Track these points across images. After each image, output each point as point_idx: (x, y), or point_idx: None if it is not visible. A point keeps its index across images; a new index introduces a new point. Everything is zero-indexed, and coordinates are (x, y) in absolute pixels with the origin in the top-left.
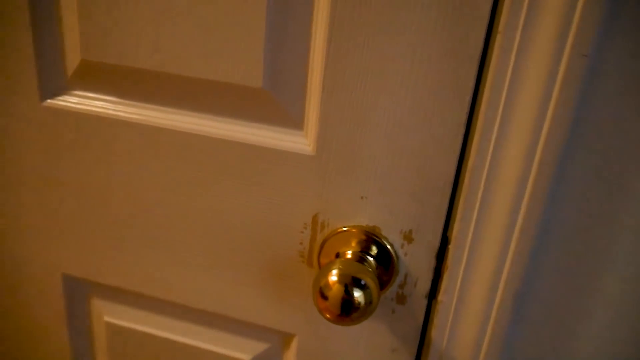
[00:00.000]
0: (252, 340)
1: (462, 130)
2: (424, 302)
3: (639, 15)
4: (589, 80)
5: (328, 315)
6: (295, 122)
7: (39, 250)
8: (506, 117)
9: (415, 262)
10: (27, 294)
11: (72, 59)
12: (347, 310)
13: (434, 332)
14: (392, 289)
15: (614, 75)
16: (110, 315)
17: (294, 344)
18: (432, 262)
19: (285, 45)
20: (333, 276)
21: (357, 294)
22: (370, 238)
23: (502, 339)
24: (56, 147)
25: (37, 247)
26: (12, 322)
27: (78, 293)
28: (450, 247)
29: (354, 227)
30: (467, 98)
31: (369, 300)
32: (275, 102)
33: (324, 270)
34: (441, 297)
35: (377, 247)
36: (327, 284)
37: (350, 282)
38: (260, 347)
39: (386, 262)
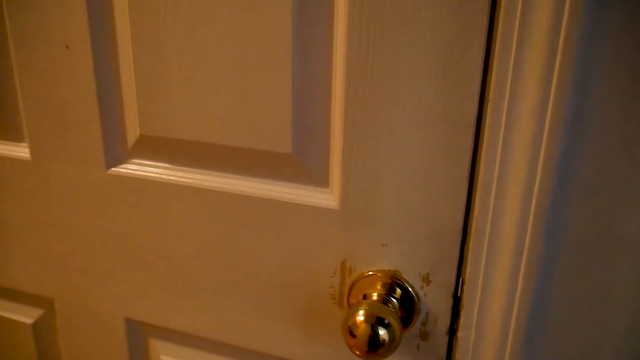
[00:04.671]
0: None
1: (466, 184)
2: (446, 338)
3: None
4: (571, 138)
5: (357, 352)
6: (321, 180)
7: (106, 298)
8: (503, 173)
9: (434, 301)
10: (97, 335)
11: (132, 134)
12: (374, 347)
13: None
14: (415, 327)
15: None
16: (167, 354)
17: None
18: (450, 302)
19: (309, 116)
20: (360, 316)
21: (382, 332)
22: (393, 281)
23: None
24: (120, 208)
25: (105, 295)
26: None
27: (138, 335)
28: (465, 287)
29: (378, 271)
30: (467, 157)
31: (392, 338)
32: (303, 164)
33: (352, 311)
34: (460, 333)
35: (400, 289)
36: (355, 324)
37: (375, 321)
38: None
39: (408, 302)
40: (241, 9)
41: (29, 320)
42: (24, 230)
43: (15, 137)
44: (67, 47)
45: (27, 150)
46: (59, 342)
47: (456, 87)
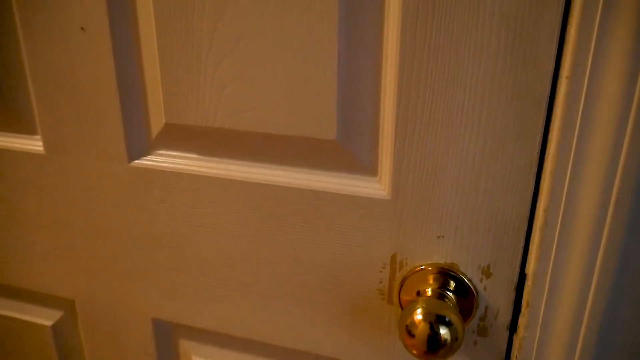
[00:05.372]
0: None
1: (534, 170)
2: (506, 334)
3: None
4: None
5: (415, 352)
6: (368, 169)
7: (131, 298)
8: (579, 158)
9: (494, 295)
10: (122, 337)
11: (156, 123)
12: (434, 348)
13: None
14: (473, 322)
15: None
16: (198, 355)
17: None
18: (512, 295)
19: (358, 98)
20: (418, 315)
21: (443, 331)
22: (449, 274)
23: None
24: (145, 203)
25: (130, 295)
26: None
27: (167, 335)
28: (530, 283)
29: (432, 264)
30: (538, 138)
31: (455, 337)
32: (348, 152)
33: (408, 309)
34: (523, 332)
35: (456, 283)
36: (413, 322)
37: (435, 319)
38: None
39: (466, 297)
40: None
41: (48, 322)
42: (40, 228)
43: (27, 129)
44: (82, 29)
45: (40, 143)
46: (81, 344)
47: (527, 61)
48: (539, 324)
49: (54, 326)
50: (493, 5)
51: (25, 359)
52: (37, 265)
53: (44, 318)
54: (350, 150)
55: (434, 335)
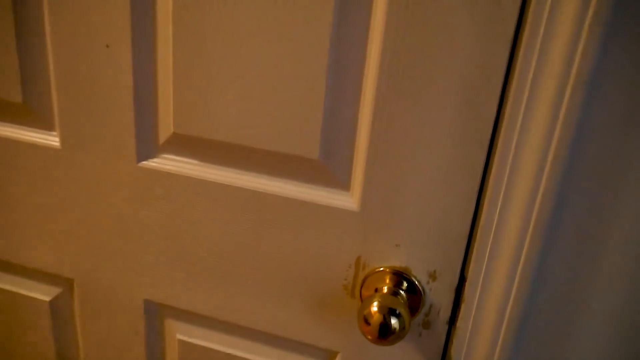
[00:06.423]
0: (302, 356)
1: (475, 196)
2: (445, 327)
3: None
4: (567, 175)
5: (370, 337)
6: (343, 184)
7: (126, 280)
8: (509, 191)
9: (438, 295)
10: (114, 315)
11: (165, 131)
12: (385, 334)
13: (453, 351)
14: (419, 317)
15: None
16: (182, 333)
17: None
18: (452, 295)
19: (337, 127)
20: (374, 307)
21: (394, 321)
22: (402, 276)
23: (508, 357)
24: (148, 200)
25: (125, 278)
26: (97, 340)
27: (155, 315)
28: (467, 284)
29: (389, 267)
30: (479, 173)
31: (402, 326)
32: (328, 169)
33: (366, 302)
34: (459, 323)
35: (408, 283)
36: (370, 313)
37: (388, 312)
38: None
39: (415, 295)
40: (282, 19)
41: (46, 298)
42: (49, 214)
43: (46, 125)
44: (107, 46)
45: (57, 138)
46: (75, 320)
47: (474, 113)
48: (472, 316)
49: (51, 302)
50: (446, 71)
51: (24, 331)
52: (43, 246)
53: (44, 294)
54: (329, 168)
55: (385, 324)
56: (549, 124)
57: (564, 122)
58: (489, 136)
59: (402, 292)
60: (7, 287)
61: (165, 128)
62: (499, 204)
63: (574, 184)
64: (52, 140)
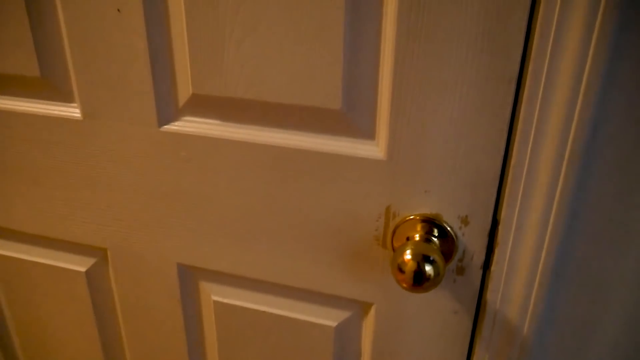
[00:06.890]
0: (337, 310)
1: (505, 136)
2: (480, 272)
3: None
4: (602, 100)
5: (404, 285)
6: (367, 134)
7: (158, 246)
8: (540, 127)
9: (471, 240)
10: (149, 281)
11: (184, 93)
12: (420, 281)
13: (489, 296)
14: (453, 263)
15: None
16: (217, 295)
17: (372, 311)
18: (485, 240)
19: (359, 74)
20: (407, 255)
21: (428, 268)
22: (433, 223)
23: (544, 299)
24: (171, 162)
25: (156, 243)
26: (134, 306)
27: (189, 278)
28: (500, 227)
29: (420, 215)
30: (508, 112)
31: (437, 273)
32: (351, 119)
33: (399, 251)
34: (494, 267)
35: (439, 230)
36: (403, 261)
37: (422, 259)
38: (344, 315)
39: (447, 242)
40: None
41: (82, 269)
42: (77, 186)
43: (65, 98)
44: (118, 10)
45: (77, 110)
46: (111, 288)
47: (500, 47)
48: (506, 259)
49: (87, 272)
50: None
51: (62, 302)
52: (72, 218)
53: (79, 265)
54: (352, 118)
55: (419, 271)
56: (581, 49)
57: (597, 46)
58: (517, 70)
59: (434, 239)
60: (43, 260)
61: (184, 90)
62: (531, 140)
63: (610, 109)
64: (74, 111)
